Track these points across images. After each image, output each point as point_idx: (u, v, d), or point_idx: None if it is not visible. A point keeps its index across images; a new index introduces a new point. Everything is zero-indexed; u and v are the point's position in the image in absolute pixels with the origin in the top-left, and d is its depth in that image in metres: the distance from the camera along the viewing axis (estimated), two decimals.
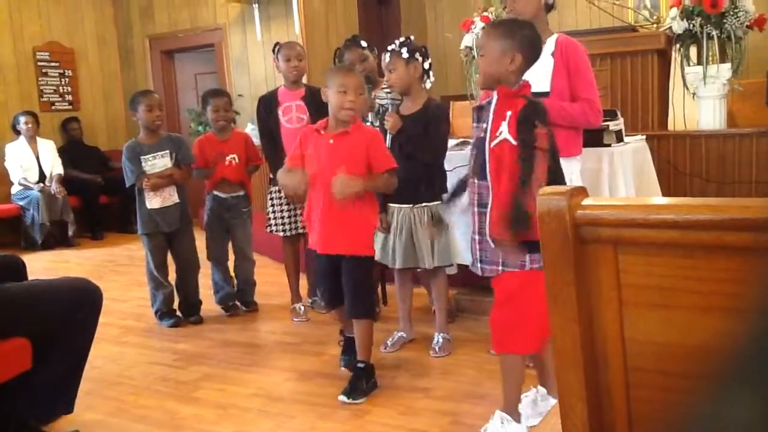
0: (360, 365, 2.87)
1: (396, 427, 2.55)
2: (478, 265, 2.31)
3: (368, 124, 3.46)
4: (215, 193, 4.14)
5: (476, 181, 2.28)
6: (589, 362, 1.03)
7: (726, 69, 4.37)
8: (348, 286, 2.84)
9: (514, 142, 2.17)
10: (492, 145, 2.22)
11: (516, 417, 2.33)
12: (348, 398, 2.79)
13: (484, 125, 2.26)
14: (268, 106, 3.94)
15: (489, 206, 2.22)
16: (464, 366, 3.06)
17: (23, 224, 6.95)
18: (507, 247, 2.17)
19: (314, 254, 2.96)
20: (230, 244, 4.23)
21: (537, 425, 1.16)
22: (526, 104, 2.20)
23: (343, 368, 3.07)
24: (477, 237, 2.29)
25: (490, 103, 2.26)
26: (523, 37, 2.25)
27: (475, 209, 2.29)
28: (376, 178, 2.81)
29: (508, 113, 2.20)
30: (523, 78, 2.28)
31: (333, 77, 2.80)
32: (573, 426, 1.07)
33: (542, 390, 2.48)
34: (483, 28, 2.34)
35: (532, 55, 2.27)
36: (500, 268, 2.25)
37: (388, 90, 3.55)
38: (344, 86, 2.74)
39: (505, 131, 2.21)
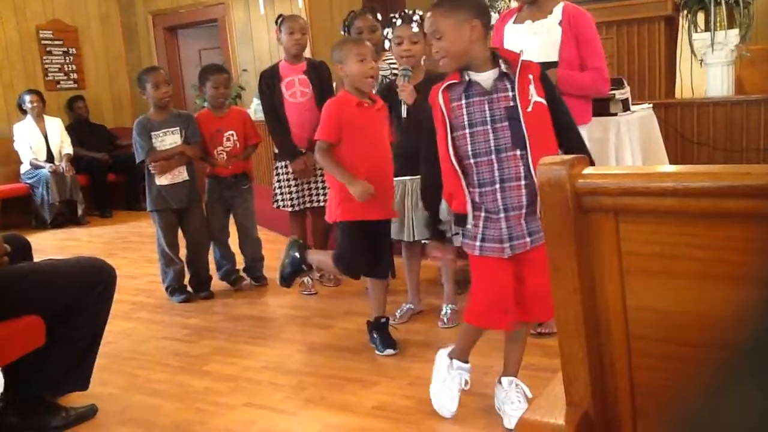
0: (383, 320, 3.07)
1: (405, 397, 2.58)
2: (527, 239, 2.20)
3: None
4: (216, 173, 4.14)
5: (517, 152, 2.15)
6: (591, 331, 1.04)
7: (734, 35, 4.32)
8: (387, 248, 3.08)
9: (545, 102, 2.18)
10: (528, 110, 2.14)
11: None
12: (394, 349, 2.99)
13: (509, 94, 2.15)
14: (270, 81, 3.92)
15: (533, 175, 2.11)
16: None
17: (33, 203, 6.99)
18: None
19: (366, 225, 2.97)
20: (234, 222, 4.25)
21: (541, 394, 1.17)
22: (540, 66, 2.22)
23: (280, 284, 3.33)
24: (523, 211, 2.18)
25: (509, 70, 2.16)
26: (473, 6, 2.17)
27: (522, 182, 2.16)
28: None
29: (531, 76, 2.17)
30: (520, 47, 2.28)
31: (348, 50, 2.92)
32: (576, 394, 1.09)
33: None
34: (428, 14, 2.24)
35: (486, 15, 2.22)
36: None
37: (390, 62, 3.54)
38: (362, 55, 2.89)
39: (534, 94, 2.15)
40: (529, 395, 2.34)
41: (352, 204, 2.93)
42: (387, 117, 3.06)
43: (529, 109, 2.14)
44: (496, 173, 2.17)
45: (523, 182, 2.17)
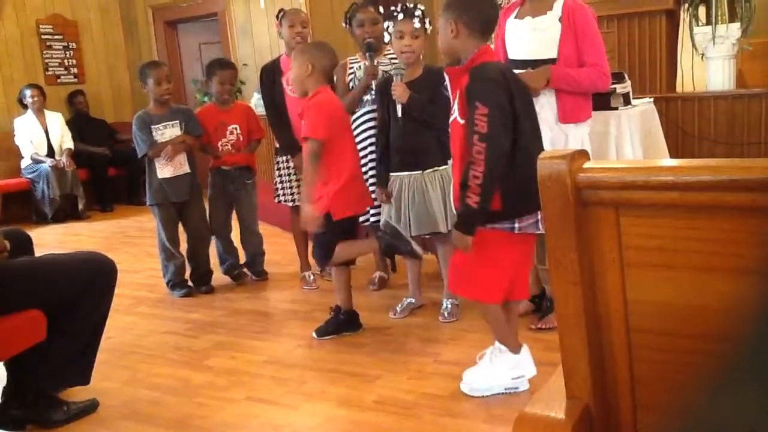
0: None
1: (406, 392, 2.59)
2: None
3: (371, 91, 3.45)
4: (219, 166, 4.14)
5: (451, 160, 2.42)
6: (591, 324, 1.05)
7: (735, 28, 4.31)
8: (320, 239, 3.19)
9: (461, 121, 2.23)
10: (449, 123, 2.33)
11: (513, 348, 2.45)
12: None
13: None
14: (270, 75, 3.91)
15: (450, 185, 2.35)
16: (472, 330, 3.09)
17: (34, 198, 6.99)
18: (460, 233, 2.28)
19: None
20: (236, 216, 4.26)
21: (541, 388, 1.18)
22: (468, 82, 2.21)
23: (315, 336, 3.24)
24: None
25: (447, 80, 2.38)
26: (455, 5, 2.22)
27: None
28: None
29: (458, 92, 2.25)
30: (486, 43, 2.30)
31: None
32: (576, 387, 1.09)
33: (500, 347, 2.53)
34: None
35: (473, 17, 2.23)
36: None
37: (391, 56, 3.52)
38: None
39: (455, 110, 2.26)
40: (489, 363, 2.47)
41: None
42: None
43: (449, 121, 2.30)
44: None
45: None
